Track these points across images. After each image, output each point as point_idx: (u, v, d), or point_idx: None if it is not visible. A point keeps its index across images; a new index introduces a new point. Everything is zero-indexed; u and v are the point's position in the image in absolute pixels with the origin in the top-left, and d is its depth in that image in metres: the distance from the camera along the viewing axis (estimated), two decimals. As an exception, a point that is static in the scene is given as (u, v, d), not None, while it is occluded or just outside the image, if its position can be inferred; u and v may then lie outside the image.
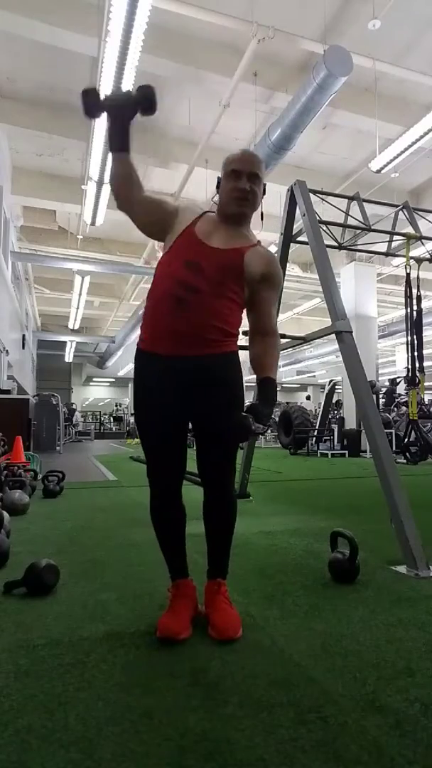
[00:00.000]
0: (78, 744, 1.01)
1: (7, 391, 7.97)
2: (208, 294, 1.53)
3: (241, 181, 1.58)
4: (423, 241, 4.26)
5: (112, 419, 28.19)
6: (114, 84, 5.92)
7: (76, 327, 19.86)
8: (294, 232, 3.95)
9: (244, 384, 1.67)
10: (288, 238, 3.96)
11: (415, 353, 5.62)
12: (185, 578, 1.67)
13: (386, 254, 4.52)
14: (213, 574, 1.67)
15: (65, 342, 22.07)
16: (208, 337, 1.55)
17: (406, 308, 5.42)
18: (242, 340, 1.75)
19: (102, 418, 27.93)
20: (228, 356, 1.62)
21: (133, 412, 1.64)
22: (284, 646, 1.45)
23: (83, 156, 8.88)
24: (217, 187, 1.67)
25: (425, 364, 6.51)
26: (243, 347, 1.76)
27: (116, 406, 29.80)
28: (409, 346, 5.57)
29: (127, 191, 1.62)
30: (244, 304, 1.65)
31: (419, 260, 4.64)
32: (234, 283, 1.58)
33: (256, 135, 8.18)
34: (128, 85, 5.98)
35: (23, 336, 14.72)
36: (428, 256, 4.38)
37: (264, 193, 1.66)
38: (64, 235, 12.87)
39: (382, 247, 4.50)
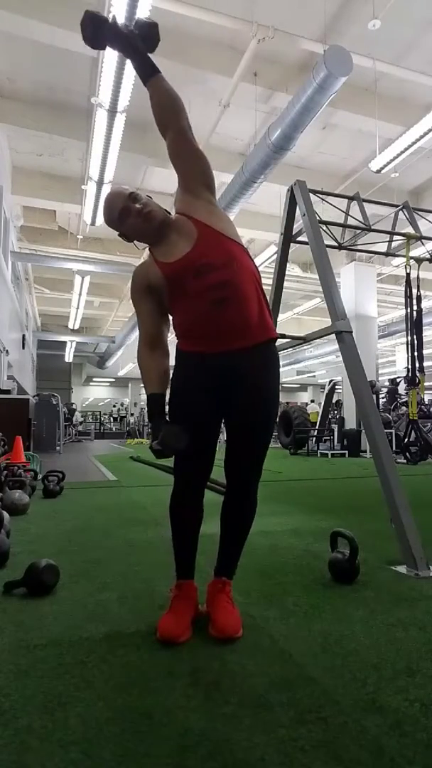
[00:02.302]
0: (78, 744, 1.01)
1: (7, 391, 7.97)
2: (236, 278, 1.53)
3: (132, 211, 1.57)
4: (423, 241, 4.27)
5: (113, 419, 28.21)
6: (114, 84, 5.92)
7: (76, 327, 19.87)
8: (294, 232, 3.95)
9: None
10: (288, 238, 3.96)
11: (415, 353, 5.62)
12: (189, 580, 1.67)
13: (386, 254, 4.53)
14: (220, 572, 1.68)
15: (65, 342, 22.07)
16: (253, 318, 1.55)
17: (406, 308, 5.43)
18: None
19: (102, 418, 27.93)
20: (269, 346, 1.61)
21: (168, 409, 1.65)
22: (284, 646, 1.45)
23: (83, 156, 8.90)
24: (127, 239, 1.66)
25: (425, 364, 6.52)
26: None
27: (117, 405, 29.82)
28: (409, 346, 5.57)
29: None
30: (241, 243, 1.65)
31: (419, 260, 4.64)
32: (227, 241, 1.58)
33: (256, 135, 8.18)
34: (128, 85, 5.98)
35: (23, 336, 14.73)
36: (428, 256, 4.38)
37: (150, 197, 1.65)
38: (64, 235, 12.88)
39: (382, 247, 4.51)
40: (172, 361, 1.68)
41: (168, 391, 1.63)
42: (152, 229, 1.60)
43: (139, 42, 1.57)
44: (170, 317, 1.68)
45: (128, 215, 1.58)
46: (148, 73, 1.59)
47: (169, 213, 1.66)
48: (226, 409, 1.60)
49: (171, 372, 1.65)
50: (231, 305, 1.52)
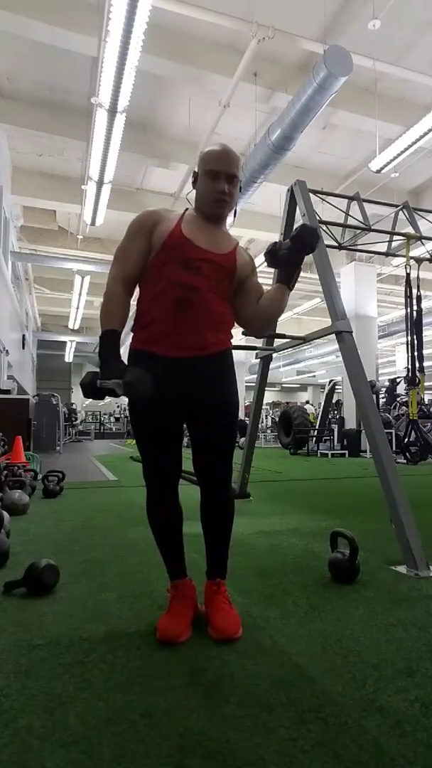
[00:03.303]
0: (78, 744, 1.02)
1: (7, 391, 7.97)
2: (207, 292, 1.55)
3: (220, 183, 1.57)
4: (423, 241, 4.26)
5: (115, 419, 28.28)
6: (114, 84, 5.92)
7: (76, 327, 19.87)
8: (294, 232, 3.94)
9: (243, 385, 1.69)
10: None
11: (415, 353, 5.62)
12: (184, 578, 1.66)
13: (386, 254, 4.52)
14: (212, 574, 1.67)
15: (65, 342, 22.06)
16: (207, 336, 1.56)
17: (406, 308, 5.42)
18: (241, 340, 1.75)
19: (102, 418, 27.93)
20: (224, 355, 1.63)
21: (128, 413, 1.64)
22: (284, 646, 1.45)
23: (83, 156, 8.89)
24: (194, 183, 1.65)
25: (425, 364, 6.52)
26: (239, 347, 1.75)
27: (120, 405, 29.79)
28: (409, 346, 5.57)
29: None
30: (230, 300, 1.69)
31: (419, 260, 4.64)
32: (228, 282, 1.62)
33: (256, 135, 8.18)
34: (128, 85, 5.97)
35: (23, 336, 14.72)
36: (428, 256, 4.38)
37: (240, 190, 1.67)
38: (64, 235, 12.88)
39: (382, 247, 4.50)
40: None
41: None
42: (209, 211, 1.61)
43: (294, 256, 1.60)
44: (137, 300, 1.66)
45: (212, 180, 1.58)
46: (282, 281, 1.65)
47: (235, 216, 1.71)
48: (187, 413, 1.60)
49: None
50: (192, 309, 1.53)
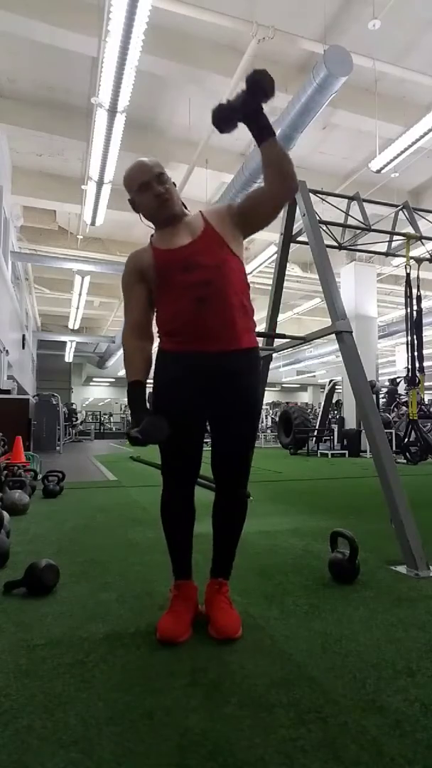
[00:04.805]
0: (78, 744, 1.02)
1: (7, 391, 7.96)
2: (219, 281, 1.54)
3: (153, 188, 1.59)
4: (423, 241, 4.27)
5: (120, 419, 28.35)
6: (114, 84, 5.92)
7: (76, 327, 19.87)
8: (294, 232, 3.94)
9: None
10: (288, 238, 3.95)
11: (415, 353, 5.62)
12: (188, 579, 1.67)
13: (386, 254, 4.53)
14: (216, 573, 1.68)
15: (65, 342, 22.06)
16: (234, 323, 1.56)
17: (406, 308, 5.43)
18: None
19: (102, 418, 27.93)
20: (251, 353, 1.63)
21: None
22: (284, 646, 1.45)
23: (83, 156, 8.89)
24: (136, 208, 1.66)
25: (425, 364, 6.52)
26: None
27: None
28: (409, 346, 5.57)
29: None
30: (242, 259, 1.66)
31: (419, 260, 4.64)
32: (226, 250, 1.59)
33: (256, 135, 8.17)
34: (128, 85, 5.97)
35: (23, 336, 14.71)
36: (428, 256, 4.38)
37: (175, 185, 1.66)
38: (64, 235, 12.87)
39: (382, 247, 4.51)
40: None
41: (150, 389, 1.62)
42: (162, 215, 1.62)
43: (247, 107, 1.48)
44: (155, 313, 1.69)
45: (146, 191, 1.59)
46: (259, 137, 1.52)
47: (186, 208, 1.68)
48: (210, 410, 1.61)
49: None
50: (212, 305, 1.53)
